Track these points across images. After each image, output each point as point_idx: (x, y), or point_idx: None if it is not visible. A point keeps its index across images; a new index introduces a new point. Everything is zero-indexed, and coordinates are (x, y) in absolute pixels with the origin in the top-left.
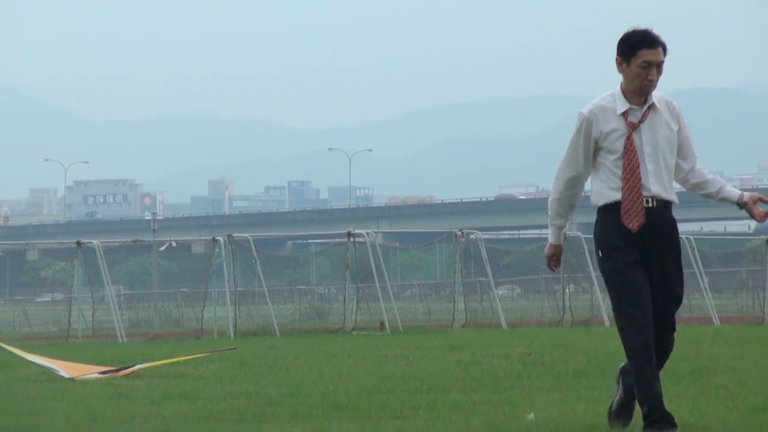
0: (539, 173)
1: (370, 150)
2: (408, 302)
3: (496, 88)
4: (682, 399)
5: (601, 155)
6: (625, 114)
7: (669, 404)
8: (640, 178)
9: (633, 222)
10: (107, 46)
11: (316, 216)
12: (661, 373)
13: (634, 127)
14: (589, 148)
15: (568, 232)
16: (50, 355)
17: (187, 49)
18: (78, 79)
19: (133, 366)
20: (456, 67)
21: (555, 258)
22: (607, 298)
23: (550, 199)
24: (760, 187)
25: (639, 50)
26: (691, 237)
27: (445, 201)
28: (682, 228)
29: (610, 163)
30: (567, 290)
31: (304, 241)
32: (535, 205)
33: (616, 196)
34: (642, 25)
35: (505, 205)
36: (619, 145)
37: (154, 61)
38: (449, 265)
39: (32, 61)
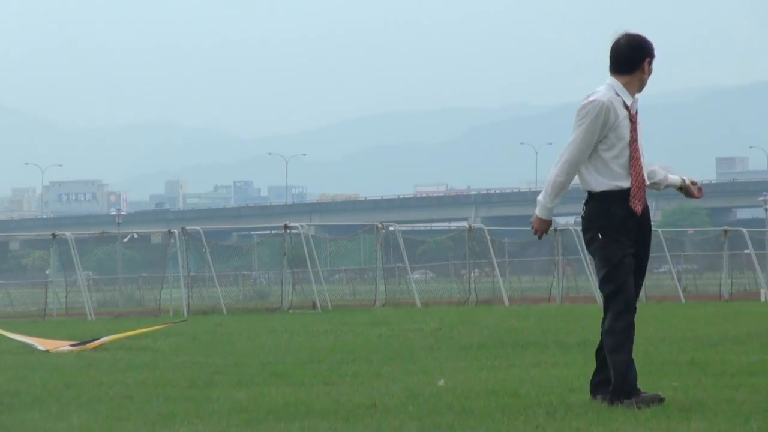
0: (449, 174)
1: (304, 155)
2: (336, 285)
3: (411, 100)
4: (571, 366)
5: (600, 143)
6: (629, 106)
7: (559, 371)
8: (641, 165)
9: (638, 206)
10: (77, 60)
11: (258, 211)
12: (554, 345)
13: (635, 119)
14: (601, 134)
15: (473, 225)
16: (29, 332)
17: (147, 62)
18: (51, 90)
19: (100, 338)
20: (377, 82)
21: (545, 232)
22: (508, 279)
23: (555, 180)
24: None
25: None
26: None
27: (367, 198)
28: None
29: (605, 151)
30: (472, 274)
31: (248, 233)
32: (445, 201)
33: (617, 183)
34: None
35: (419, 201)
36: (627, 133)
37: (118, 74)
38: (371, 253)
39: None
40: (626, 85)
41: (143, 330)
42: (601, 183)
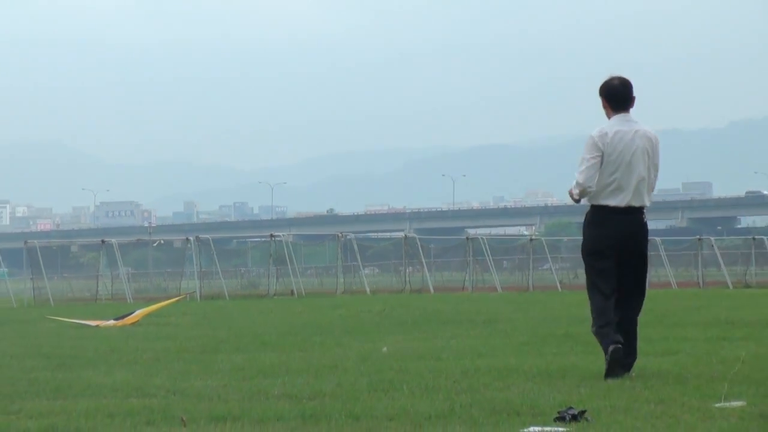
0: (391, 197)
1: (285, 183)
2: (308, 278)
3: (363, 141)
4: (479, 338)
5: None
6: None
7: (470, 341)
8: None
9: None
10: (119, 108)
11: (251, 224)
12: (466, 322)
13: None
14: None
15: (408, 234)
16: (84, 312)
17: (171, 110)
18: (101, 135)
19: (134, 312)
20: (339, 126)
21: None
22: (434, 274)
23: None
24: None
25: None
26: (483, 237)
27: (331, 214)
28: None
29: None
30: (407, 270)
31: (244, 240)
32: (388, 217)
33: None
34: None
35: (369, 217)
36: None
37: (148, 119)
38: (334, 254)
39: (69, 120)
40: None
41: (163, 304)
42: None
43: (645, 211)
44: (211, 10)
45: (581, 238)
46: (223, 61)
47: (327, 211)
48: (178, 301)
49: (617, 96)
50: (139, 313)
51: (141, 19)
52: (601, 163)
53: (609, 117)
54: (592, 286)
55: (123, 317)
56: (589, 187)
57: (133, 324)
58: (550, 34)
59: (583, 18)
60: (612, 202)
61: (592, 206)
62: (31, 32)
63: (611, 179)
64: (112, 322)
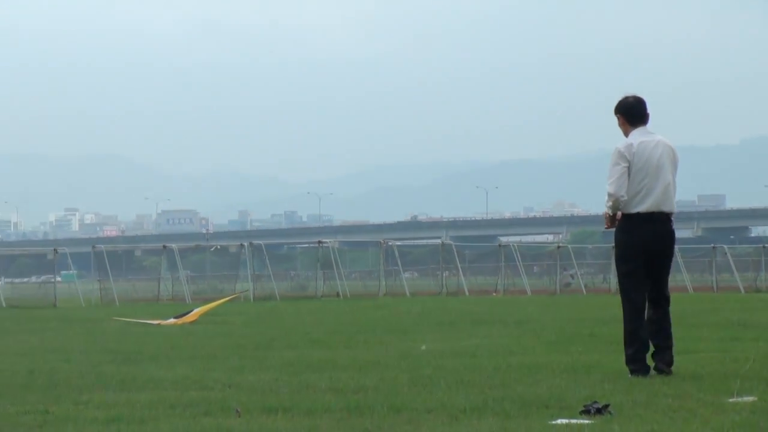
0: (429, 207)
1: (331, 193)
2: (353, 281)
3: (404, 156)
4: (510, 337)
5: None
6: None
7: (502, 341)
8: None
9: None
10: (179, 124)
11: (300, 232)
12: (498, 323)
13: None
14: None
15: (445, 241)
16: (147, 311)
17: (220, 124)
18: (162, 148)
19: (192, 311)
20: (380, 140)
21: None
22: (468, 278)
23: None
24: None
25: None
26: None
27: (373, 224)
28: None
29: None
30: (444, 274)
31: (294, 246)
32: (426, 225)
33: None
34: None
35: (409, 225)
36: None
37: (206, 134)
38: (377, 259)
39: (136, 137)
40: None
41: (219, 302)
42: None
43: (672, 218)
44: (264, 35)
45: (606, 245)
46: (275, 81)
47: (369, 220)
48: (232, 299)
49: (634, 111)
50: (196, 311)
51: (198, 42)
52: (629, 173)
53: (626, 134)
54: (625, 295)
55: (182, 315)
56: (621, 196)
57: (191, 323)
58: (573, 57)
59: (603, 43)
60: (642, 208)
61: (624, 215)
62: (94, 59)
63: (641, 186)
64: (172, 320)
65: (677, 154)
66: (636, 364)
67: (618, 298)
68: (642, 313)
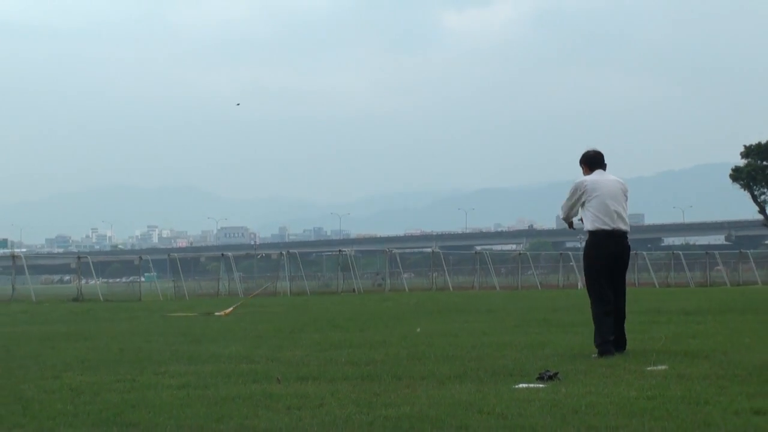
0: (425, 223)
1: (349, 213)
2: (366, 280)
3: (407, 183)
4: (482, 322)
5: None
6: None
7: (475, 325)
8: None
9: None
10: (236, 153)
11: (325, 243)
12: (475, 311)
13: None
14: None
15: (434, 250)
16: (210, 305)
17: (273, 153)
18: (220, 177)
19: (239, 303)
20: (387, 169)
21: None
22: (452, 278)
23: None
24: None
25: None
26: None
27: (381, 236)
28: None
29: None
30: (433, 275)
31: (320, 254)
32: (420, 237)
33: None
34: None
35: (408, 238)
36: None
37: (255, 162)
38: (383, 263)
39: (203, 169)
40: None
41: (256, 293)
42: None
43: (627, 235)
44: (301, 91)
45: (556, 252)
46: (309, 131)
47: (378, 234)
48: (237, 307)
49: (593, 161)
50: (243, 300)
51: (257, 103)
52: (582, 203)
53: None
54: (595, 294)
55: (235, 306)
56: (566, 218)
57: (240, 310)
58: (534, 103)
59: (553, 110)
60: (605, 227)
61: (590, 232)
62: (157, 105)
63: (600, 211)
64: (231, 309)
65: (627, 187)
66: (604, 347)
67: (567, 292)
68: (611, 312)
